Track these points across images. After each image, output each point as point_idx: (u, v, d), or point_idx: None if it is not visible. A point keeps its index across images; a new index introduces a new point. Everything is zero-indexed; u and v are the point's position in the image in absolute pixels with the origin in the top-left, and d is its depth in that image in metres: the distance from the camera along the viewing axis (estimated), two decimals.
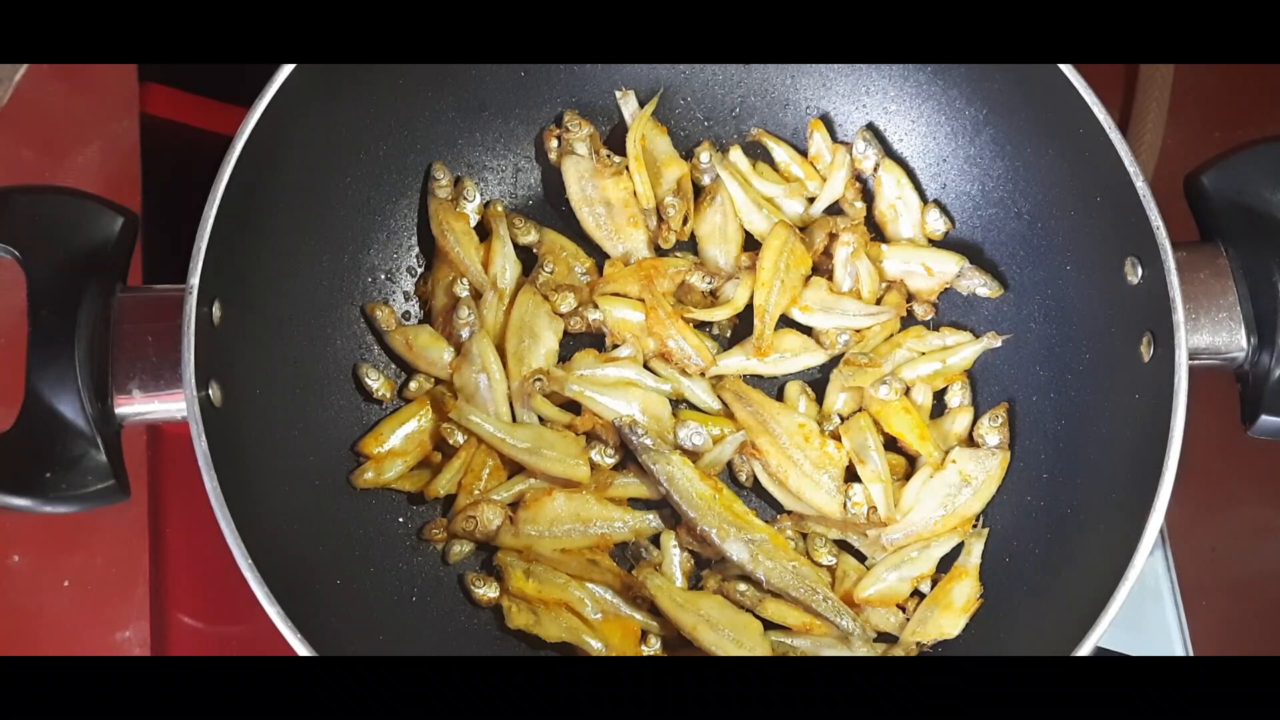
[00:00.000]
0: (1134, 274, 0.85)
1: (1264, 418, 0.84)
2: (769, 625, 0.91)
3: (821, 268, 0.99)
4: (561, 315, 0.97)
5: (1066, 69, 0.85)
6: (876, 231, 1.01)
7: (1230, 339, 0.84)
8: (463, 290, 0.97)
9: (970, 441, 0.95)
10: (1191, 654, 1.00)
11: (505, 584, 0.92)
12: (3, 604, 0.98)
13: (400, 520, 0.94)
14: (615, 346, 0.97)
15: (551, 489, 0.93)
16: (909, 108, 0.99)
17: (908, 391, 0.95)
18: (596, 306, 0.97)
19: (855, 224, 0.99)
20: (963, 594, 0.91)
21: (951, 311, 0.99)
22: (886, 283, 0.99)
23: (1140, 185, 0.82)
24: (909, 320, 0.99)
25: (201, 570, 1.00)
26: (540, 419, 0.95)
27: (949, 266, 0.97)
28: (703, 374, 0.97)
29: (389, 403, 0.96)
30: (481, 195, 1.01)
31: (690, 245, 1.02)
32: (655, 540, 0.94)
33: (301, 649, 0.76)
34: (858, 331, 0.97)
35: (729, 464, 0.96)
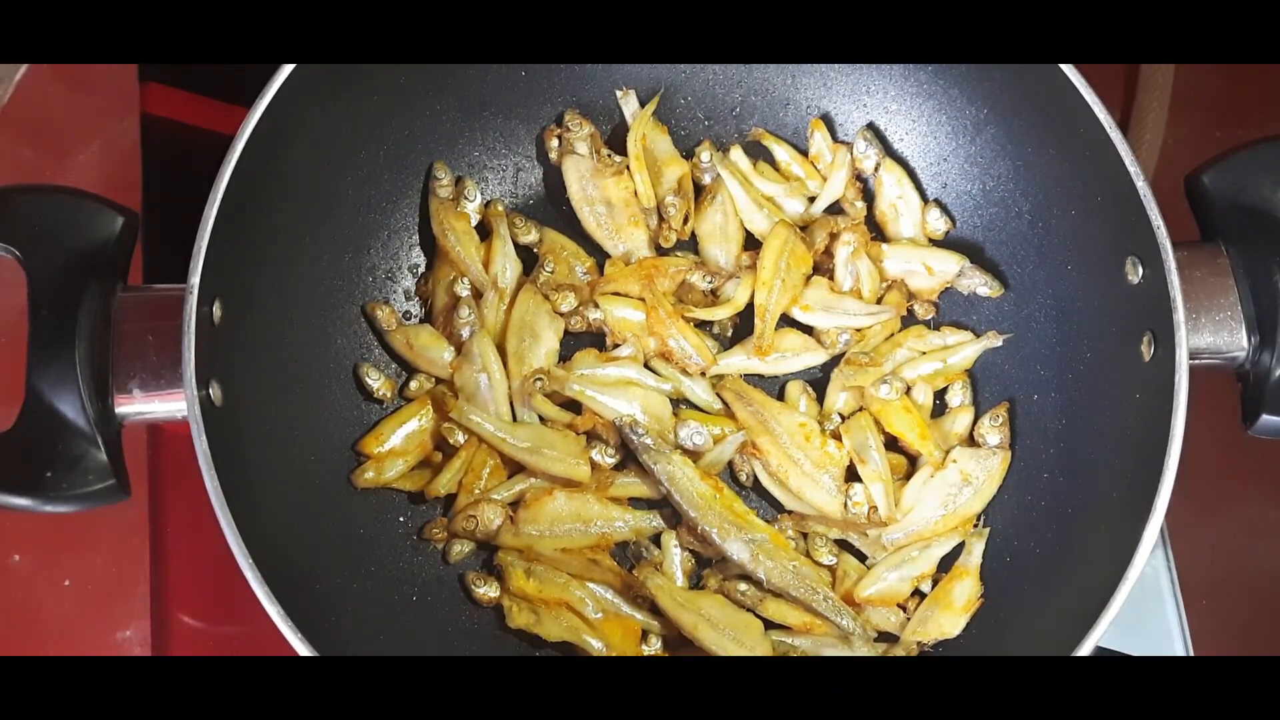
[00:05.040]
0: (1135, 274, 0.85)
1: (1265, 417, 0.84)
2: (769, 625, 0.91)
3: (822, 267, 0.99)
4: (562, 315, 0.97)
5: (1067, 69, 0.85)
6: (877, 231, 1.01)
7: (1231, 338, 0.84)
8: (463, 290, 0.97)
9: (971, 441, 0.95)
10: (1191, 654, 1.00)
11: (506, 583, 0.92)
12: (3, 604, 0.98)
13: (401, 520, 0.94)
14: (616, 346, 0.97)
15: (552, 488, 0.93)
16: (910, 107, 0.99)
17: (908, 391, 0.95)
18: (597, 306, 0.97)
19: (856, 223, 0.99)
20: (963, 594, 0.91)
21: (952, 311, 0.99)
22: (887, 282, 0.99)
23: (1140, 185, 0.82)
24: (910, 320, 0.99)
25: (201, 570, 1.00)
26: (541, 418, 0.95)
27: (950, 266, 0.97)
28: (703, 373, 0.97)
29: (389, 402, 0.96)
30: (482, 195, 1.01)
31: (691, 244, 1.01)
32: (656, 540, 0.94)
33: (301, 649, 0.76)
34: (858, 331, 0.97)
35: (729, 463, 0.96)
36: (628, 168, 0.99)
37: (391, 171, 0.98)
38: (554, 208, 1.02)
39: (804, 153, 1.02)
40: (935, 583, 0.93)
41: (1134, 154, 0.83)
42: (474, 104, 0.99)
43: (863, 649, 0.90)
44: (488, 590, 0.91)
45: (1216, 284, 0.84)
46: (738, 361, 0.97)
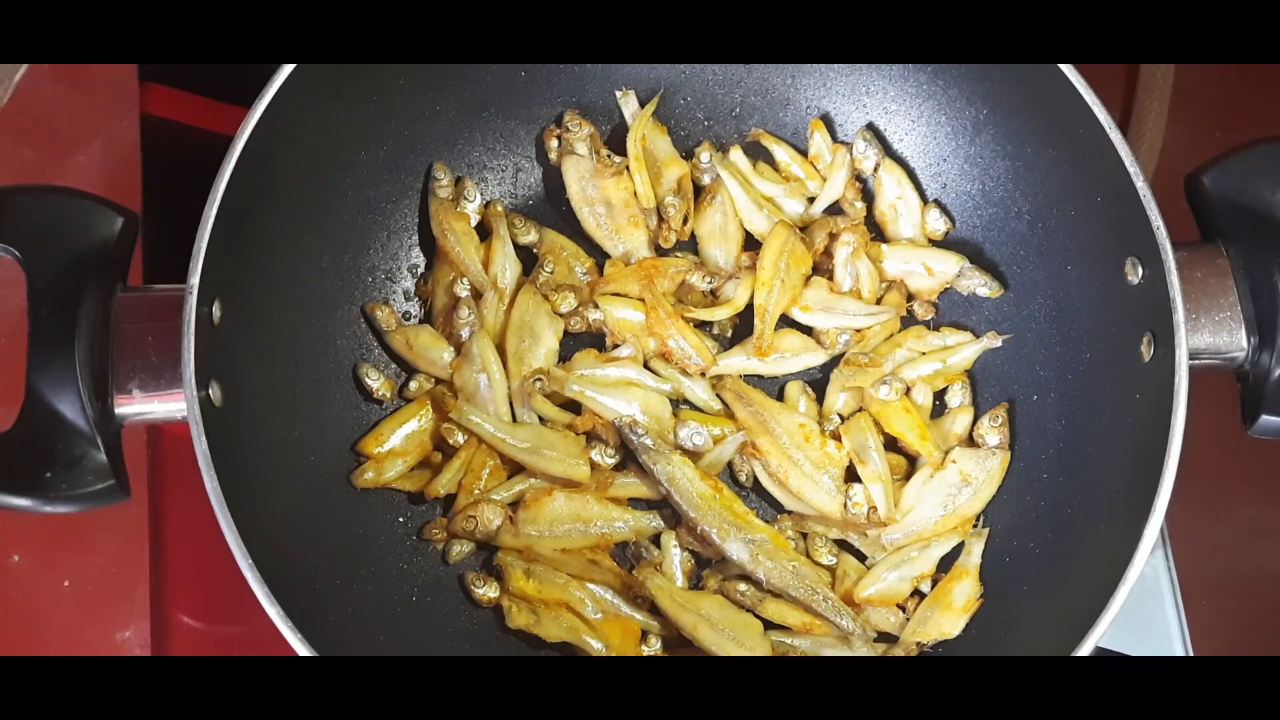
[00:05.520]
0: (1134, 274, 0.85)
1: (1264, 418, 0.84)
2: (769, 625, 0.91)
3: (822, 267, 0.99)
4: (562, 315, 0.97)
5: (1066, 69, 0.85)
6: (877, 231, 1.01)
7: (1230, 339, 0.84)
8: (463, 290, 0.97)
9: (970, 441, 0.95)
10: (1191, 654, 1.00)
11: (505, 584, 0.92)
12: (3, 604, 0.98)
13: (400, 520, 0.94)
14: (615, 346, 0.97)
15: (552, 489, 0.93)
16: (909, 108, 0.99)
17: (908, 391, 0.95)
18: (597, 306, 0.97)
19: (855, 224, 0.99)
20: (963, 594, 0.91)
21: (952, 311, 0.99)
22: (887, 282, 0.99)
23: (1140, 185, 0.82)
24: (909, 320, 0.99)
25: (201, 570, 1.00)
26: (540, 419, 0.95)
27: (949, 266, 0.97)
28: (703, 374, 0.97)
29: (389, 403, 0.96)
30: (482, 195, 1.01)
31: (690, 245, 1.01)
32: (656, 540, 0.94)
33: (301, 649, 0.76)
34: (858, 331, 0.97)
35: (729, 464, 0.96)
36: (627, 168, 0.99)
37: (391, 172, 0.98)
38: (554, 208, 1.02)
39: (804, 153, 1.02)
40: (935, 583, 0.93)
41: (1134, 154, 0.83)
42: (474, 104, 0.99)
43: (862, 649, 0.90)
44: (487, 591, 0.91)
45: (1216, 284, 0.84)
46: (737, 362, 0.97)
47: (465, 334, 0.95)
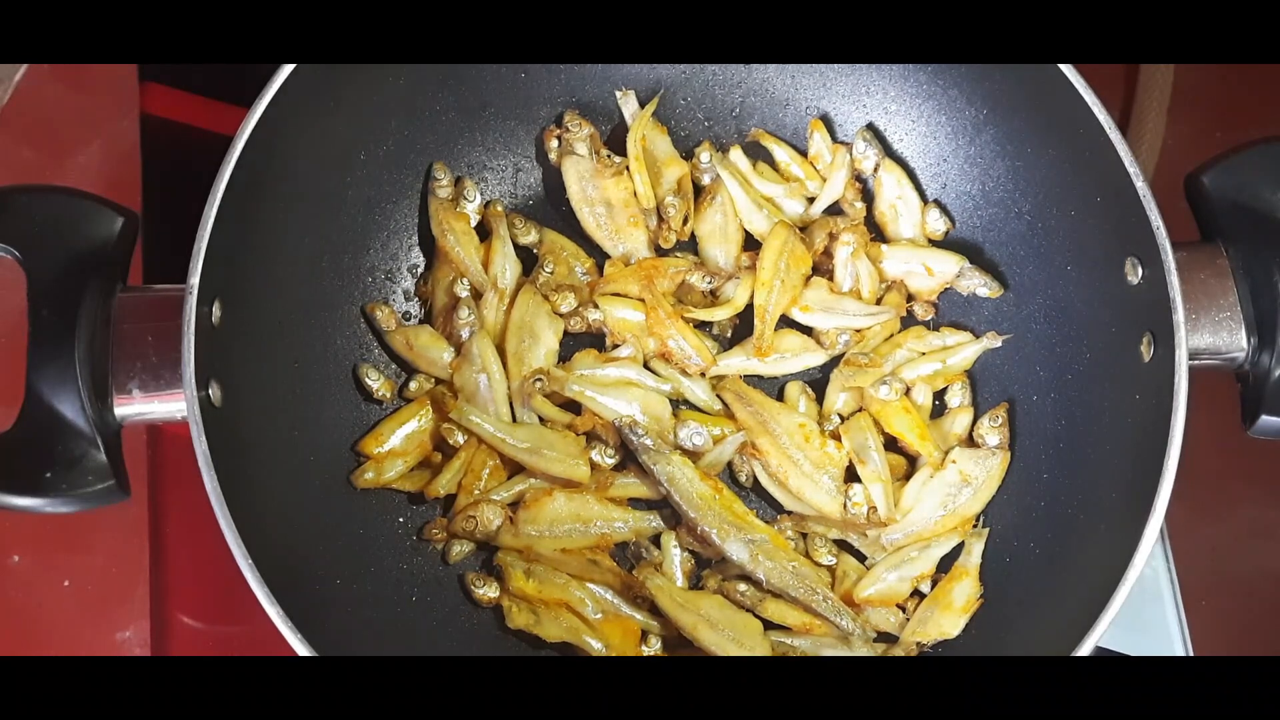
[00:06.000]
0: (1134, 274, 0.85)
1: (1264, 418, 0.84)
2: (769, 625, 0.91)
3: (822, 268, 0.99)
4: (562, 315, 0.97)
5: (1066, 69, 0.85)
6: (876, 231, 1.01)
7: (1230, 339, 0.84)
8: (463, 290, 0.97)
9: (970, 441, 0.95)
10: (1191, 654, 1.00)
11: (505, 584, 0.92)
12: (3, 604, 0.98)
13: (400, 520, 0.94)
14: (615, 346, 0.97)
15: (552, 489, 0.93)
16: (909, 108, 0.99)
17: (908, 391, 0.95)
18: (597, 306, 0.97)
19: (855, 224, 0.99)
20: (963, 594, 0.91)
21: (952, 311, 0.99)
22: (887, 283, 0.99)
23: (1140, 185, 0.82)
24: (909, 320, 0.99)
25: (201, 570, 1.00)
26: (540, 419, 0.95)
27: (949, 266, 0.97)
28: (703, 374, 0.97)
29: (389, 403, 0.96)
30: (482, 195, 1.01)
31: (690, 245, 1.01)
32: (655, 540, 0.94)
33: (301, 649, 0.76)
34: (858, 331, 0.97)
35: (729, 464, 0.96)
36: (627, 168, 0.99)
37: (391, 171, 0.98)
38: (554, 208, 1.02)
39: (803, 153, 1.02)
40: (935, 583, 0.93)
41: (1134, 154, 0.83)
42: (474, 104, 0.99)
43: (862, 649, 0.90)
44: (487, 591, 0.91)
45: (1216, 284, 0.84)
46: (737, 362, 0.97)
47: (465, 334, 0.95)
